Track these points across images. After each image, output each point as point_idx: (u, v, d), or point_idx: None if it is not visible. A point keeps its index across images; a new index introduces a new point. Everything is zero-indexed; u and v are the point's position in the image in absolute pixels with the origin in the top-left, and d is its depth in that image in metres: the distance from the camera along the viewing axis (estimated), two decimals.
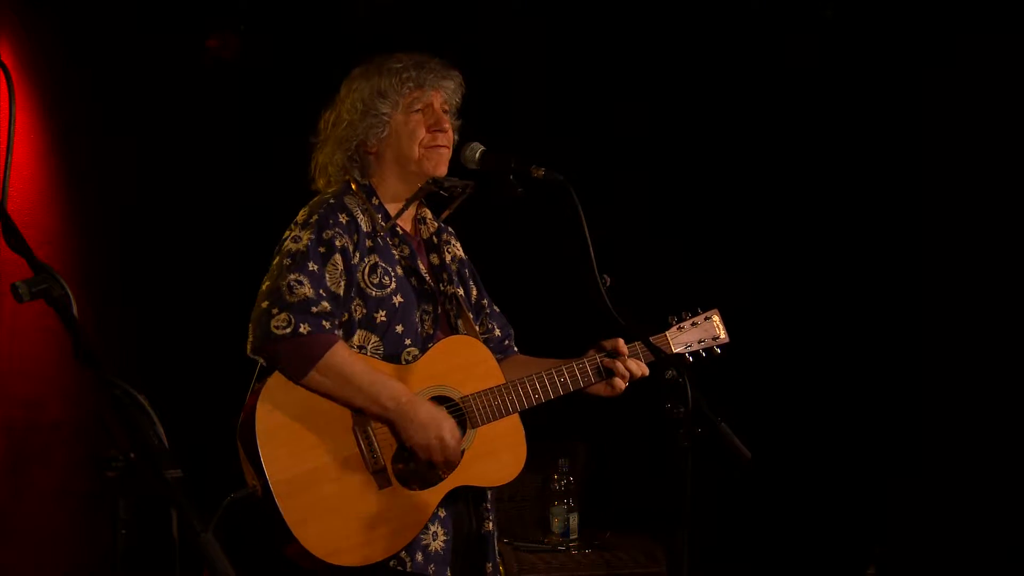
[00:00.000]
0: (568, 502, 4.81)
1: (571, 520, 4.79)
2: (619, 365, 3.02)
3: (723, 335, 3.22)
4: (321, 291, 2.80)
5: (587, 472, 5.08)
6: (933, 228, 5.01)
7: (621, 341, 3.04)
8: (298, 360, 2.74)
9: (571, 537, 4.78)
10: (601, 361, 3.03)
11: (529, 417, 3.02)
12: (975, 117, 4.81)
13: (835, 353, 5.19)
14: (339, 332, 2.84)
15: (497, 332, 3.23)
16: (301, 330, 2.73)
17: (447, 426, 2.84)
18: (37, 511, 4.51)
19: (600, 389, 3.06)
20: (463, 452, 2.90)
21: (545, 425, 3.14)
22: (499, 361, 3.13)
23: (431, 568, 2.86)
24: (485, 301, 3.23)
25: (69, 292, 1.84)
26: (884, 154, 5.15)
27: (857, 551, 4.98)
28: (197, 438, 3.32)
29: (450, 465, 2.87)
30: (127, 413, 1.75)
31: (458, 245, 3.22)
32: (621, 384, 3.04)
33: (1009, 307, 4.76)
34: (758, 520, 5.19)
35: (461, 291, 3.11)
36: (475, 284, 3.22)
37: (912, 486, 4.97)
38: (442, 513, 2.89)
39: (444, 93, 3.06)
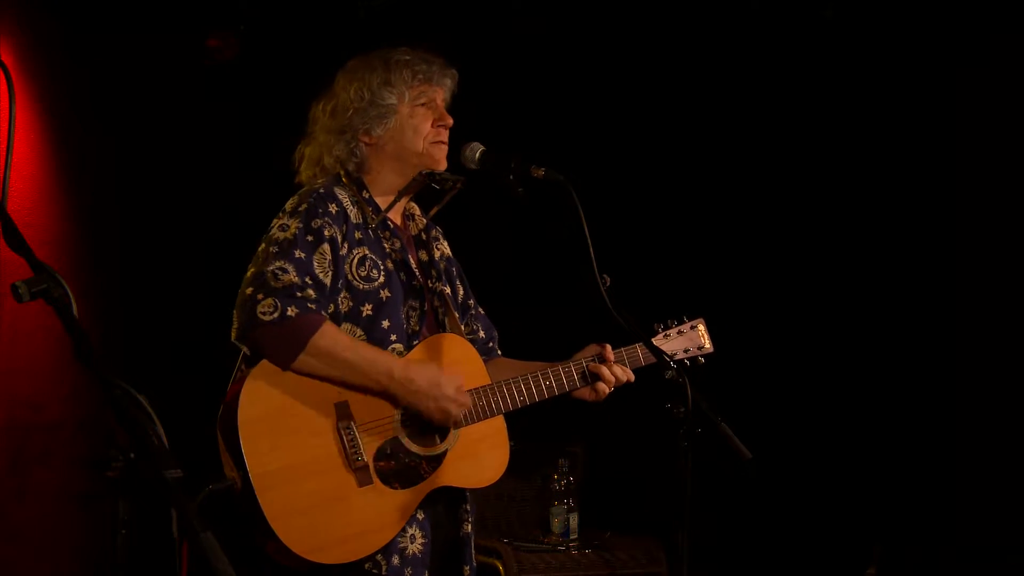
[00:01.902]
0: (568, 502, 4.81)
1: (571, 520, 4.79)
2: (604, 370, 3.01)
3: (708, 345, 3.20)
4: (307, 279, 2.75)
5: (587, 472, 5.08)
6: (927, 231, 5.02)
7: (608, 346, 3.04)
8: (286, 344, 2.70)
9: (571, 537, 4.78)
10: (587, 365, 3.02)
11: (529, 417, 3.01)
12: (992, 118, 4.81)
13: (834, 352, 5.19)
14: (325, 315, 2.80)
15: (481, 334, 3.19)
16: (289, 313, 2.69)
17: (449, 382, 2.82)
18: (37, 511, 4.51)
19: (584, 394, 3.05)
20: (446, 452, 2.87)
21: (545, 425, 3.14)
22: (483, 362, 3.12)
23: (408, 571, 2.82)
24: (471, 302, 3.20)
25: (69, 292, 1.84)
26: (885, 156, 5.15)
27: (857, 551, 4.98)
28: (197, 438, 3.32)
29: (467, 415, 2.86)
30: (127, 413, 1.75)
31: (446, 244, 3.19)
32: (605, 389, 3.03)
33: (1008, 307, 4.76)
34: (758, 520, 5.19)
35: (448, 289, 3.09)
36: (462, 284, 3.19)
37: (912, 486, 4.98)
38: (420, 516, 2.85)
39: (444, 90, 3.05)
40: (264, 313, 2.69)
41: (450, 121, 3.02)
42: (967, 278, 4.92)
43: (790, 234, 5.31)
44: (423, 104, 3.00)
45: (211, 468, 2.74)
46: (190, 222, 4.86)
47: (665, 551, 4.73)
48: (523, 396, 2.96)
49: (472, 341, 3.14)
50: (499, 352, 3.23)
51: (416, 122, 2.99)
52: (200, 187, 4.89)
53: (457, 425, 2.89)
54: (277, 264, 2.74)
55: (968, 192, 4.92)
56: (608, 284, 2.71)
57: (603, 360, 3.03)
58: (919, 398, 4.98)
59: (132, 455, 1.81)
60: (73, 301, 1.83)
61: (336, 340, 2.75)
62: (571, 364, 3.03)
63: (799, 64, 5.20)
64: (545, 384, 2.98)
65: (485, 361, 3.13)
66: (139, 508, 1.86)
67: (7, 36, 4.40)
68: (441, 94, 3.04)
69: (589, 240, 2.68)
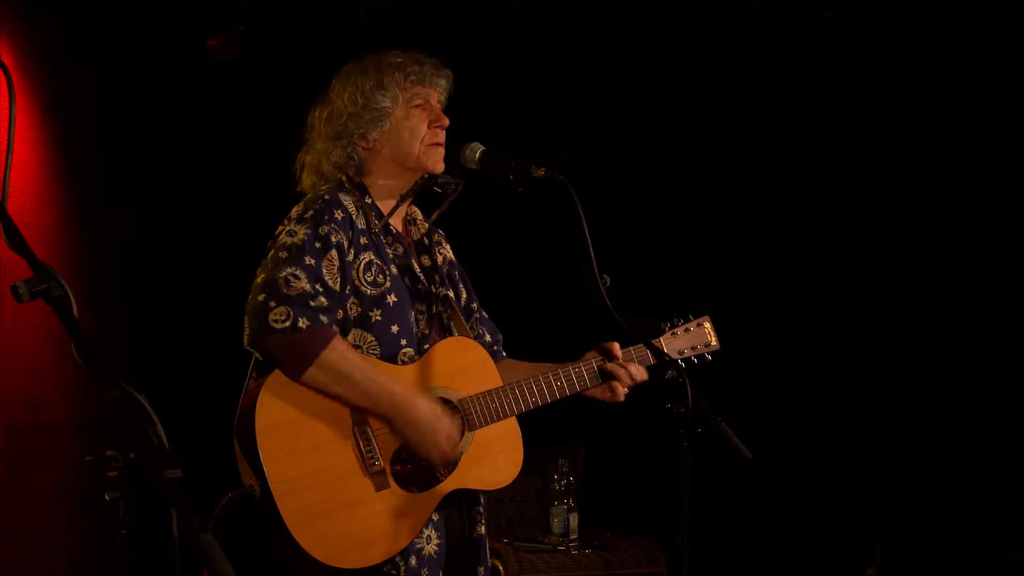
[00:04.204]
0: (568, 502, 4.80)
1: (571, 520, 4.79)
2: (619, 370, 2.99)
3: (714, 342, 3.18)
4: (318, 286, 2.76)
5: (587, 472, 5.08)
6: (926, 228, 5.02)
7: (617, 345, 3.03)
8: (296, 356, 2.71)
9: (571, 537, 4.78)
10: (598, 366, 3.01)
11: (529, 417, 3.01)
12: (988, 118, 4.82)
13: (834, 352, 5.19)
14: (335, 328, 2.81)
15: (487, 337, 3.19)
16: (300, 324, 2.69)
17: (443, 425, 2.81)
18: (37, 511, 4.51)
19: (599, 393, 3.04)
20: (461, 453, 2.88)
21: (545, 425, 3.14)
22: (495, 365, 3.12)
23: (424, 572, 2.83)
24: (475, 305, 3.20)
25: (69, 292, 1.83)
26: (886, 156, 5.15)
27: (857, 551, 4.98)
28: (197, 438, 3.32)
29: (448, 465, 2.85)
30: (127, 413, 1.75)
31: (448, 248, 3.19)
32: (621, 388, 3.01)
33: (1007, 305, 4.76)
34: (758, 520, 5.19)
35: (452, 294, 3.09)
36: (465, 288, 3.19)
37: (913, 486, 4.97)
38: (435, 517, 2.86)
39: (438, 91, 3.05)
40: (276, 321, 2.69)
41: (446, 121, 3.02)
42: (967, 278, 4.91)
43: (788, 235, 5.31)
44: (418, 106, 3.00)
45: (229, 474, 2.76)
46: (190, 222, 4.86)
47: (665, 551, 4.73)
48: (535, 397, 2.95)
49: None
50: (504, 355, 3.23)
51: (412, 124, 2.99)
52: (200, 187, 4.89)
53: (472, 427, 2.89)
54: (288, 270, 2.74)
55: (968, 191, 4.92)
56: (608, 284, 2.71)
57: (612, 358, 3.01)
58: (919, 398, 4.98)
59: (132, 455, 1.81)
60: (73, 301, 1.83)
61: (344, 357, 2.75)
62: (581, 364, 3.01)
63: (799, 64, 5.20)
64: (557, 384, 2.97)
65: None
66: (139, 508, 1.86)
67: (7, 36, 4.40)
68: (436, 95, 3.04)
69: (589, 240, 2.68)
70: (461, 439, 2.89)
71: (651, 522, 4.74)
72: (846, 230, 5.22)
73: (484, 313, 3.24)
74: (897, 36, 5.02)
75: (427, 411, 2.80)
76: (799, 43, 5.17)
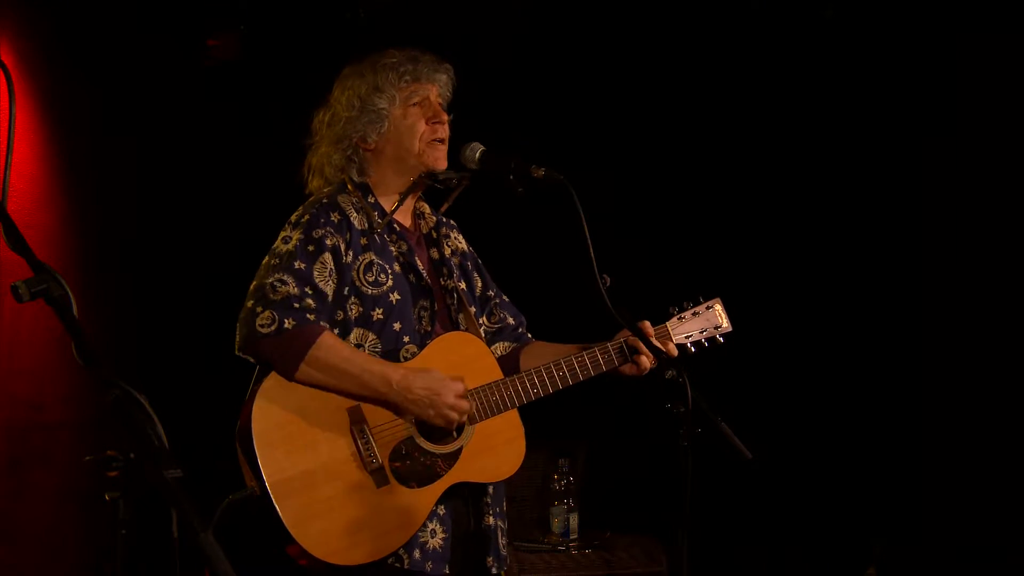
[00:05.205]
0: (568, 502, 4.81)
1: (571, 520, 4.79)
2: (643, 345, 2.94)
3: (725, 323, 3.17)
4: (307, 288, 2.80)
5: (587, 472, 5.08)
6: (931, 224, 5.02)
7: (648, 324, 3.01)
8: (286, 356, 2.75)
9: (571, 537, 4.78)
10: (624, 342, 2.98)
11: (528, 418, 3.01)
12: (975, 117, 4.82)
13: (834, 352, 5.19)
14: (324, 325, 2.82)
15: (510, 320, 3.21)
16: (285, 325, 2.74)
17: (447, 390, 2.83)
18: (37, 511, 4.51)
19: (627, 369, 3.00)
20: (462, 449, 2.89)
21: (545, 425, 3.14)
22: (518, 349, 3.14)
23: (428, 565, 2.85)
24: (491, 292, 3.22)
25: (69, 292, 1.84)
26: (881, 152, 5.15)
27: (857, 551, 4.98)
28: (197, 438, 3.32)
29: (466, 415, 2.85)
30: (127, 413, 1.75)
31: (460, 237, 3.21)
32: (647, 362, 2.97)
33: (1008, 305, 4.76)
34: (758, 520, 5.19)
35: (463, 285, 3.11)
36: (480, 276, 3.21)
37: (912, 486, 4.98)
38: (441, 511, 2.88)
39: (438, 86, 3.06)
40: (263, 326, 2.74)
41: (445, 117, 3.04)
42: (969, 278, 4.91)
43: (789, 236, 5.30)
44: (416, 104, 3.02)
45: (231, 474, 2.77)
46: (190, 221, 4.86)
47: (665, 551, 4.73)
48: (536, 388, 2.96)
49: (502, 329, 3.17)
50: (529, 337, 3.23)
51: (410, 122, 3.01)
52: (200, 187, 4.89)
53: (472, 421, 2.90)
54: (276, 276, 2.80)
55: (967, 190, 4.92)
56: (608, 284, 2.71)
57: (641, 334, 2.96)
58: (920, 398, 4.98)
59: (132, 455, 1.81)
60: (73, 301, 1.83)
61: (333, 350, 2.78)
62: (608, 344, 3.00)
63: (799, 64, 5.20)
64: (559, 375, 2.97)
65: (519, 347, 3.15)
66: (139, 508, 1.86)
67: (7, 36, 4.40)
68: (435, 90, 3.05)
69: (589, 240, 2.68)
70: (462, 435, 2.90)
71: (651, 522, 4.74)
72: (845, 230, 5.22)
73: (504, 297, 3.25)
74: (897, 36, 5.02)
75: (426, 387, 2.81)
76: (799, 43, 5.17)
